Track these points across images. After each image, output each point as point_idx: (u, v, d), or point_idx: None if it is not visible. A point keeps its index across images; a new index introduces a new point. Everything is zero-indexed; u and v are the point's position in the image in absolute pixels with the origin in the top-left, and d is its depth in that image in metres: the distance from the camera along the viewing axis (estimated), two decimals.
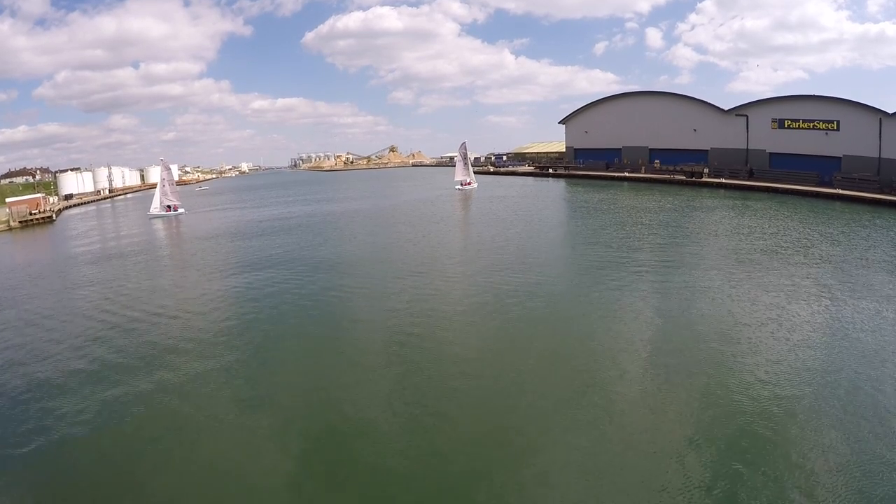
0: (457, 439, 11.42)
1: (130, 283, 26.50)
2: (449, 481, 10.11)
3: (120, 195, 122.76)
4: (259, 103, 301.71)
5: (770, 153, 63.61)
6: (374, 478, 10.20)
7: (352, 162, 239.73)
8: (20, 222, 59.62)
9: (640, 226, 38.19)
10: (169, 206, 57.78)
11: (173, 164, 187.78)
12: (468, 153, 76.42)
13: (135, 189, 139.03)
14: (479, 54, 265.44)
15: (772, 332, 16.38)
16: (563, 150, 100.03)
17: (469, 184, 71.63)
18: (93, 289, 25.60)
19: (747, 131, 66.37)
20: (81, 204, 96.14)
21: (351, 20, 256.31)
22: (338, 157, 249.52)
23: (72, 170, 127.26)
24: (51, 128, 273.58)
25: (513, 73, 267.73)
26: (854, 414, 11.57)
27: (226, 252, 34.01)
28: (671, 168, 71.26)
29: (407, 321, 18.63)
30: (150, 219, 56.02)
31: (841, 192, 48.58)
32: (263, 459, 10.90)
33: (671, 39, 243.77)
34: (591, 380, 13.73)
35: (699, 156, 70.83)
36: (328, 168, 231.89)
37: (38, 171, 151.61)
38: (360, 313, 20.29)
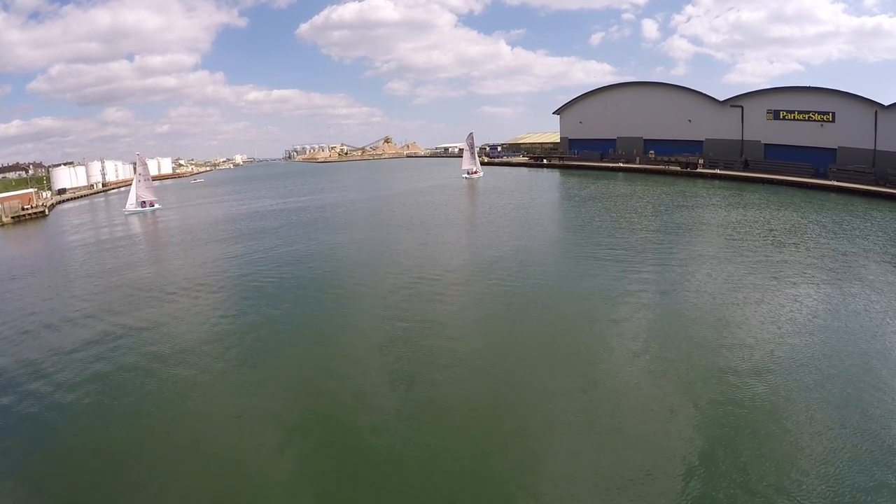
0: (456, 424, 11.62)
1: (119, 279, 26.33)
2: (448, 463, 10.33)
3: (114, 189, 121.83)
4: (254, 95, 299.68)
5: (765, 144, 63.55)
6: (375, 465, 10.32)
7: (346, 153, 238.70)
8: (12, 218, 59.14)
9: (633, 214, 38.28)
10: (144, 202, 57.75)
11: (167, 157, 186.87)
12: (475, 143, 77.40)
13: (129, 182, 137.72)
14: (475, 45, 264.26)
15: (763, 318, 16.73)
16: (558, 140, 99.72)
17: (475, 172, 74.16)
18: (81, 288, 25.43)
19: (742, 122, 66.25)
20: (75, 198, 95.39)
21: (346, 11, 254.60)
22: (332, 148, 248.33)
23: (65, 164, 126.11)
24: (45, 122, 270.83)
25: (509, 64, 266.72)
26: (845, 396, 11.84)
27: (209, 249, 33.80)
28: (666, 159, 71.18)
29: (406, 308, 18.68)
30: (127, 215, 55.83)
31: (836, 183, 48.66)
32: (266, 448, 10.98)
33: (667, 31, 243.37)
34: (584, 364, 14.02)
35: (694, 146, 70.78)
36: (322, 159, 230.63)
37: (30, 166, 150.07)
38: (359, 302, 20.43)
